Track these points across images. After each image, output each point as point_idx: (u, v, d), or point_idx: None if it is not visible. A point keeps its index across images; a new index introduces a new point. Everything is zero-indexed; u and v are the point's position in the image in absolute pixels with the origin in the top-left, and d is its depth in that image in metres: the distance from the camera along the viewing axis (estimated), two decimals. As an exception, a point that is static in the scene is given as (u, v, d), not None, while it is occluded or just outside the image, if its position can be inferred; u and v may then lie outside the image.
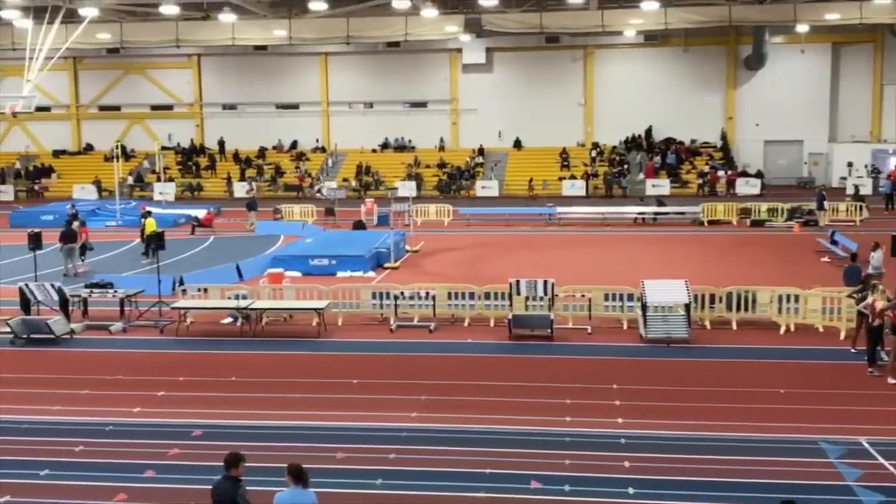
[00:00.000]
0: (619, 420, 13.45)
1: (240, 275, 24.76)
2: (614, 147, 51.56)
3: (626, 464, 11.76)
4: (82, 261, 27.33)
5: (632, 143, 51.59)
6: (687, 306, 18.15)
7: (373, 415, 13.83)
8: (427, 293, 20.01)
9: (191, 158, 54.10)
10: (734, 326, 19.12)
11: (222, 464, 8.53)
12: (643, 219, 37.51)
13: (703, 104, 51.17)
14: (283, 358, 17.62)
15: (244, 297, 20.28)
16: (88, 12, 39.69)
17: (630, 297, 19.47)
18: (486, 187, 48.67)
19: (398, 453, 12.23)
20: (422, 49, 51.34)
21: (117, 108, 56.40)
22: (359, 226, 34.47)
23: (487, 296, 20.02)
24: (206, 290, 21.10)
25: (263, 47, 51.89)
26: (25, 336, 18.93)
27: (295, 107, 55.06)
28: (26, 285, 19.80)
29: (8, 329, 19.00)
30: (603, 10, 43.15)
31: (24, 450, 12.57)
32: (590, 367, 16.57)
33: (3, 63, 53.19)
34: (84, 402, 14.81)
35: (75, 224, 27.80)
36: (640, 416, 13.57)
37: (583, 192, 46.96)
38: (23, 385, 15.86)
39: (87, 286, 21.07)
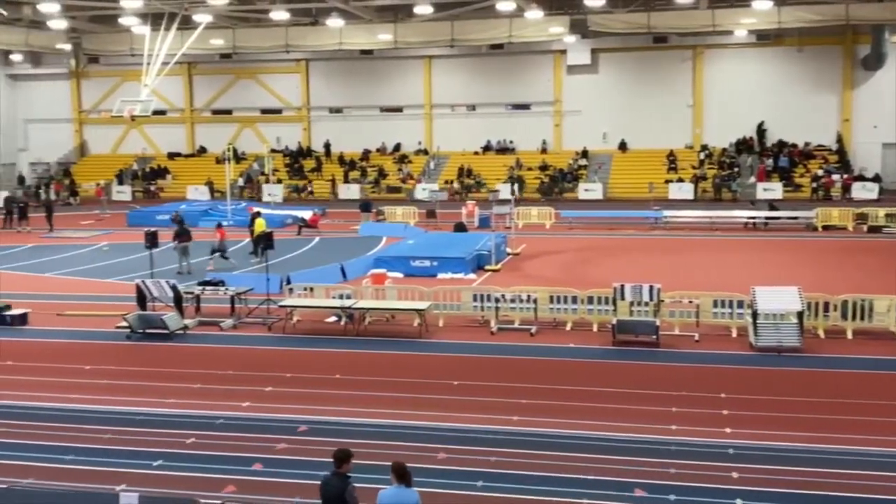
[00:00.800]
0: (728, 430, 13.08)
1: (344, 275, 25.17)
2: (724, 149, 50.31)
3: (735, 475, 11.43)
4: (226, 258, 27.83)
5: (742, 146, 50.22)
6: (800, 314, 17.54)
7: (473, 416, 13.83)
8: (528, 296, 19.91)
9: (298, 161, 55.34)
10: (849, 336, 18.38)
11: (329, 460, 8.65)
12: (754, 223, 36.49)
13: (818, 106, 49.39)
14: (385, 357, 17.81)
15: (348, 297, 20.60)
16: (203, 19, 41.05)
17: (740, 304, 18.93)
18: (589, 190, 48.16)
19: (499, 456, 12.19)
20: (525, 51, 51.22)
21: (229, 112, 58.15)
22: (460, 228, 34.59)
23: (590, 300, 19.78)
24: (311, 289, 21.52)
25: (369, 51, 52.69)
26: (141, 330, 19.68)
27: (399, 110, 55.68)
28: (143, 282, 20.55)
29: (125, 324, 19.79)
30: (713, 9, 42.22)
31: (139, 440, 13.06)
32: (697, 375, 16.18)
33: (123, 68, 55.59)
34: (196, 395, 15.28)
35: (216, 224, 28.19)
36: (749, 427, 13.17)
37: (691, 196, 45.96)
38: (138, 378, 16.49)
39: (199, 284, 21.75)
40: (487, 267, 27.04)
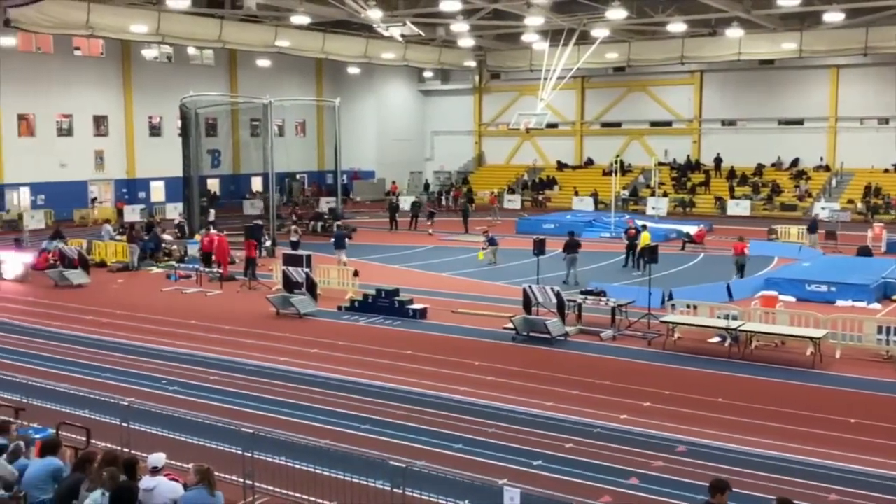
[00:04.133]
0: None
1: (730, 295, 24.19)
2: None
3: None
4: (739, 277, 27.21)
5: None
6: None
7: (871, 459, 12.52)
8: (946, 333, 17.62)
9: (685, 174, 54.33)
10: None
11: (705, 484, 8.29)
12: None
13: None
14: (772, 385, 16.77)
15: (734, 318, 19.71)
16: (600, 33, 41.86)
17: None
18: None
19: (903, 509, 10.90)
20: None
21: (618, 125, 58.71)
22: (864, 252, 31.62)
23: None
24: (695, 306, 20.93)
25: (769, 61, 50.29)
26: (526, 333, 20.48)
27: (798, 122, 52.44)
28: (529, 287, 21.36)
29: (512, 325, 20.73)
30: None
31: (520, 438, 13.56)
32: None
33: (521, 83, 58.55)
34: (574, 401, 15.54)
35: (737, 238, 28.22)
36: None
37: None
38: (521, 378, 17.15)
39: (582, 293, 22.15)
40: (895, 297, 24.44)
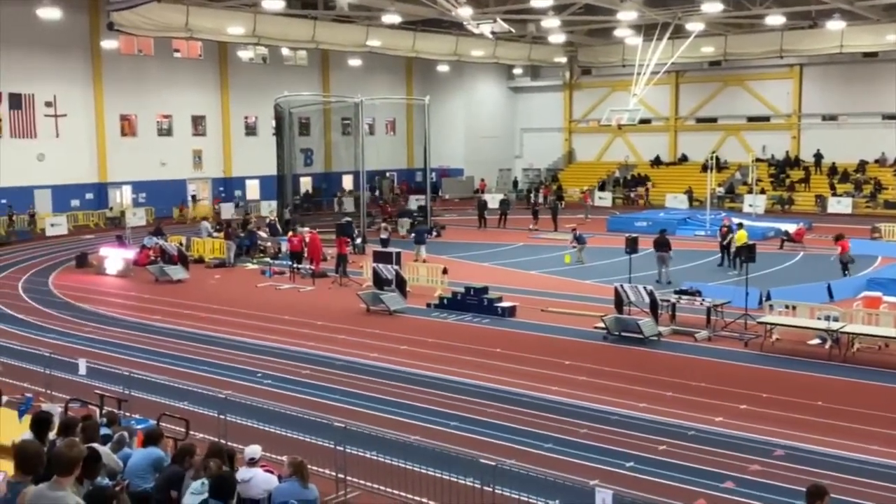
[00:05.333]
0: None
1: (830, 295, 23.37)
2: None
3: None
4: (846, 275, 26.68)
5: None
6: None
7: None
8: None
9: (784, 171, 52.80)
10: None
11: (805, 490, 8.01)
12: None
13: None
14: (874, 389, 16.16)
15: (835, 319, 19.02)
16: (695, 27, 41.01)
17: None
18: None
19: None
20: None
21: (713, 120, 57.43)
22: (976, 252, 30.18)
23: None
24: (794, 307, 20.29)
25: (873, 54, 48.42)
26: (617, 333, 20.20)
27: (904, 117, 50.36)
28: (621, 286, 21.05)
29: (602, 325, 20.47)
30: None
31: (612, 439, 13.38)
32: None
33: (613, 79, 57.84)
34: (668, 403, 15.25)
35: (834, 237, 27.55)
36: None
37: None
38: (613, 378, 16.93)
39: (676, 292, 21.72)
40: None
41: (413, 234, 33.23)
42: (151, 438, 9.65)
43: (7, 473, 6.06)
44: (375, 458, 11.48)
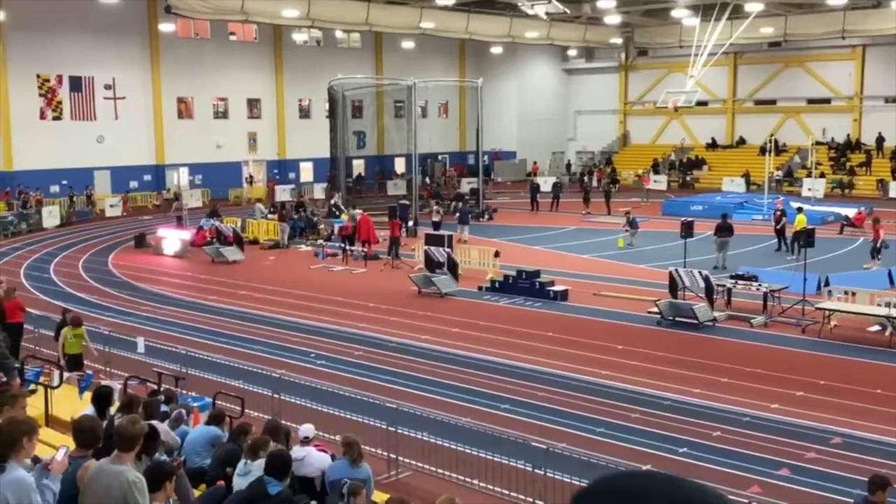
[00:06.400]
0: None
1: (891, 281, 22.81)
2: None
3: None
4: (877, 259, 26.26)
5: None
6: None
7: None
8: None
9: (844, 154, 51.60)
10: None
11: (862, 479, 7.88)
12: None
13: None
14: (938, 378, 15.77)
15: (896, 306, 18.60)
16: (754, 7, 40.18)
17: None
18: None
19: None
20: None
21: (772, 102, 56.26)
22: None
23: None
24: (853, 293, 19.88)
25: (939, 34, 46.91)
26: (671, 318, 19.99)
27: (971, 99, 48.81)
28: (676, 270, 20.81)
29: (656, 310, 20.27)
30: None
31: (665, 425, 13.27)
32: None
33: (669, 60, 56.95)
34: (722, 389, 15.07)
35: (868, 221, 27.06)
36: None
37: None
38: (666, 364, 16.77)
39: (732, 277, 21.41)
40: None
41: (457, 214, 33.50)
42: (214, 419, 9.85)
43: (69, 448, 6.20)
44: (426, 439, 11.54)
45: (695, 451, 12.15)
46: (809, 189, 44.94)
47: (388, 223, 30.48)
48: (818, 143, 50.11)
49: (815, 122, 53.48)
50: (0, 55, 41.30)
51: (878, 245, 26.26)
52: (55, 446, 7.22)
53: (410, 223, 35.12)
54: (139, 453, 6.40)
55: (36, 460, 6.01)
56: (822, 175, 48.32)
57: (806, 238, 21.64)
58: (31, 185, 41.13)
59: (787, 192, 47.31)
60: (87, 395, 11.66)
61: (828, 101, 54.01)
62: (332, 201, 39.46)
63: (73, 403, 11.66)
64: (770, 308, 20.26)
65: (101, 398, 8.68)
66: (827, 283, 20.93)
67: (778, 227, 29.60)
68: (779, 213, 30.18)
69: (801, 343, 18.27)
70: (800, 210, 29.65)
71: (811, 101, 54.60)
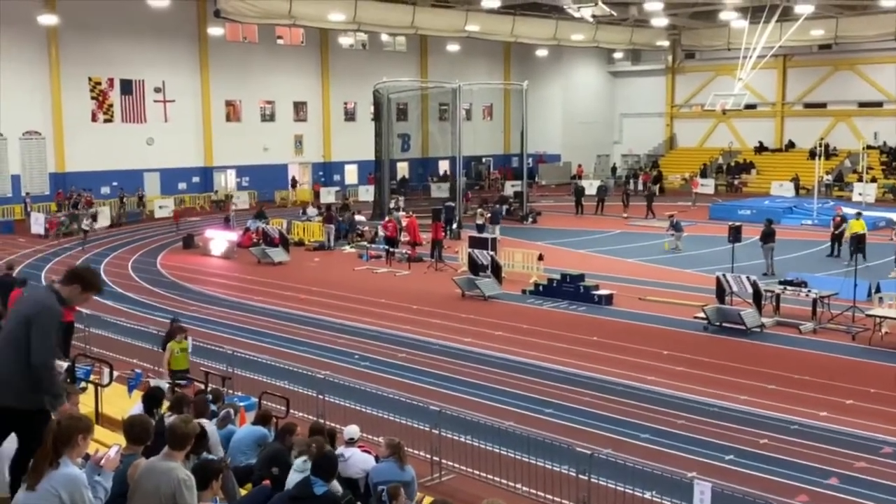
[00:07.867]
0: None
1: (945, 288, 22.30)
2: None
3: None
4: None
5: None
6: None
7: None
8: None
9: (896, 159, 50.60)
10: None
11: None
12: None
13: None
14: None
15: (951, 314, 18.19)
16: (804, 9, 39.57)
17: None
18: None
19: None
20: None
21: (823, 106, 55.33)
22: None
23: None
24: (906, 300, 19.48)
25: None
26: (718, 323, 19.75)
27: None
28: (723, 275, 20.55)
29: (703, 315, 20.04)
30: None
31: (711, 431, 13.12)
32: None
33: (717, 63, 56.29)
34: (770, 396, 14.85)
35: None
36: None
37: None
38: (712, 370, 16.58)
39: (781, 283, 21.10)
40: None
41: (488, 215, 33.76)
42: (262, 420, 9.96)
43: (121, 446, 6.31)
44: (470, 442, 11.54)
45: (741, 459, 11.99)
46: (860, 194, 44.11)
47: (430, 226, 30.55)
48: (869, 147, 49.16)
49: (866, 126, 52.52)
50: (53, 58, 42.19)
51: None
52: (106, 444, 7.36)
53: (454, 226, 35.16)
54: (188, 452, 6.49)
55: (86, 457, 6.12)
56: (873, 179, 47.42)
57: (856, 244, 21.28)
58: (83, 186, 41.90)
59: (836, 196, 46.53)
60: (137, 393, 11.86)
61: (879, 104, 53.00)
62: (392, 205, 39.41)
63: (122, 401, 11.85)
64: (819, 314, 19.92)
65: (152, 399, 8.82)
66: (878, 290, 20.53)
67: (836, 232, 29.11)
68: (838, 218, 29.69)
69: (851, 350, 17.96)
70: (858, 215, 29.18)
71: (862, 105, 53.63)
